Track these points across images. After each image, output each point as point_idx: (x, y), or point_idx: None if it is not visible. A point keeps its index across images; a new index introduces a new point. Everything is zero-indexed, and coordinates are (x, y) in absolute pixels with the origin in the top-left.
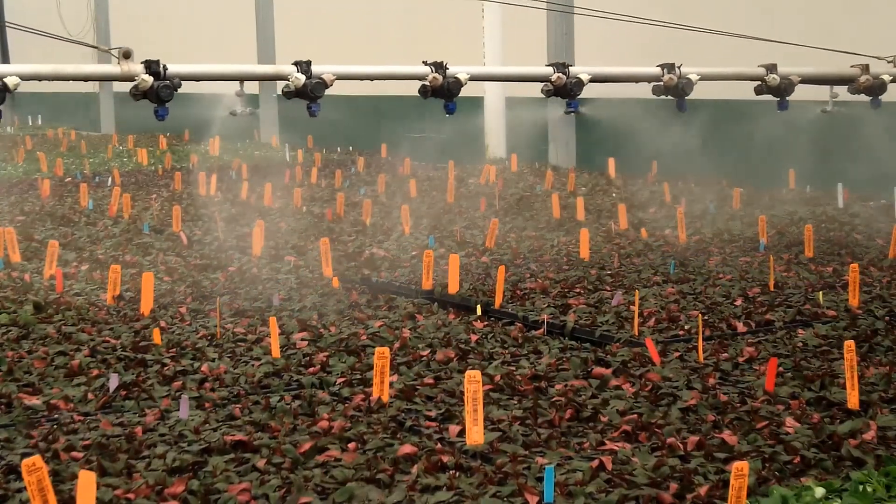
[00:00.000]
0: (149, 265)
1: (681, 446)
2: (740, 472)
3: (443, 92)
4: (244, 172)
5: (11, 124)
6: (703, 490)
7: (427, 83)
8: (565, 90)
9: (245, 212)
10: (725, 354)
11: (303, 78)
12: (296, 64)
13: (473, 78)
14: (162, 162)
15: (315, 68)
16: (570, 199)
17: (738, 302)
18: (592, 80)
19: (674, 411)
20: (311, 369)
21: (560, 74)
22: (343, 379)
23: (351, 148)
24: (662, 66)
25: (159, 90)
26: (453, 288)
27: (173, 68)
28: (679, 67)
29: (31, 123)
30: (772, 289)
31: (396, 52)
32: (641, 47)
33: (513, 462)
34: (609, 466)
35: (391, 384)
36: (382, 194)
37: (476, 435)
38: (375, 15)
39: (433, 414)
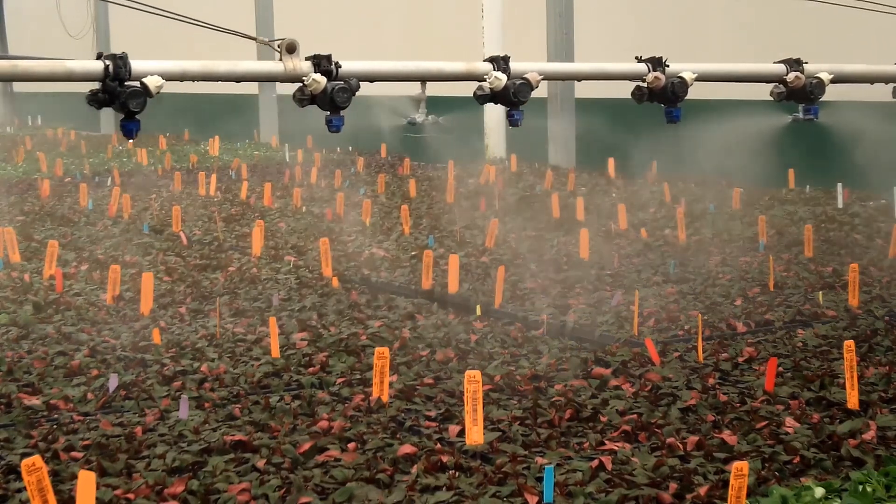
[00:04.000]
0: (148, 265)
1: (680, 446)
2: (740, 472)
3: (665, 95)
4: (244, 172)
5: (11, 124)
6: (702, 490)
7: (645, 84)
8: (803, 93)
9: (245, 212)
10: (725, 354)
11: (504, 78)
12: (491, 61)
13: (700, 77)
14: (162, 162)
15: (514, 65)
16: (570, 199)
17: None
18: (834, 81)
19: (673, 411)
20: (310, 369)
21: (797, 74)
22: (343, 379)
23: (350, 148)
24: None
25: (334, 94)
26: (453, 288)
27: (348, 66)
28: None
29: (31, 123)
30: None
31: (395, 53)
32: (643, 47)
33: (512, 462)
34: (609, 466)
35: (391, 384)
36: (382, 194)
37: (476, 435)
38: (375, 13)
39: (433, 414)
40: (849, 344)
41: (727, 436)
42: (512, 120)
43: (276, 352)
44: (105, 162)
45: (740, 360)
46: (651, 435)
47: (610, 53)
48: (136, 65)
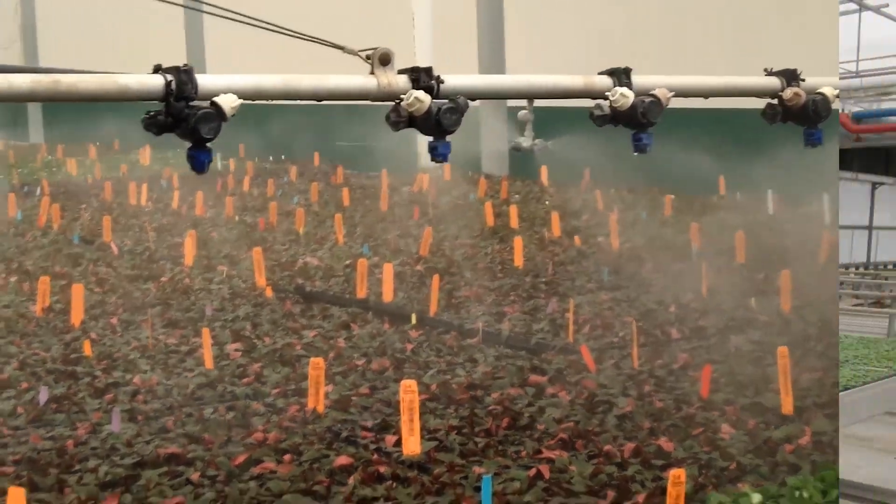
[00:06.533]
0: (79, 276)
1: (618, 454)
2: (678, 479)
3: (805, 115)
4: (175, 182)
5: None
6: (640, 497)
7: (781, 101)
8: None
9: (177, 221)
10: (660, 361)
11: (631, 96)
12: (611, 74)
13: (839, 94)
14: (92, 172)
15: (638, 79)
16: (503, 207)
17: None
18: None
19: (610, 418)
20: (244, 380)
21: None
22: (278, 390)
23: (283, 157)
24: None
25: (441, 116)
26: (388, 297)
27: (452, 81)
28: None
29: None
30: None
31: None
32: (574, 57)
33: (450, 472)
34: (547, 475)
35: (326, 394)
36: (316, 203)
37: (413, 445)
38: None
39: (369, 424)
40: (782, 350)
41: (664, 442)
42: (640, 145)
43: (209, 363)
44: (34, 172)
45: (675, 366)
46: (588, 442)
47: (542, 63)
48: (204, 80)
